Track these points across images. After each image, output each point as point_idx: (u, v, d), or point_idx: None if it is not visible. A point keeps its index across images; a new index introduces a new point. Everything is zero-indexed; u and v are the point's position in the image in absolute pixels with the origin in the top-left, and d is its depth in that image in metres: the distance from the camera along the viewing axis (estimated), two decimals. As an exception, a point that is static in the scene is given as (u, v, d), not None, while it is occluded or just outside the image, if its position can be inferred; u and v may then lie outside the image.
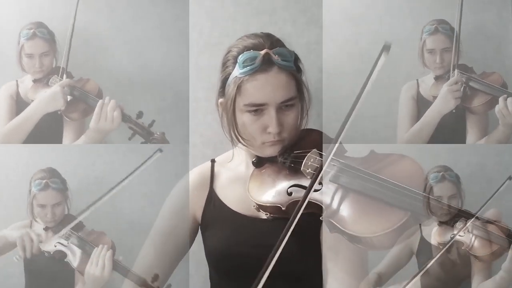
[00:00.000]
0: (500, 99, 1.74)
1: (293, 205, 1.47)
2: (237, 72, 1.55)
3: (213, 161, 1.74)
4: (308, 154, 1.54)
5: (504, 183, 1.65)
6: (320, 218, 1.45)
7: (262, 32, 1.62)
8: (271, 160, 1.60)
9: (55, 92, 1.91)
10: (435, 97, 1.84)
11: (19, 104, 1.94)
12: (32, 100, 1.93)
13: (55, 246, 1.79)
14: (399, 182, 1.41)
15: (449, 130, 1.84)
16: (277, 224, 1.46)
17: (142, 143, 1.87)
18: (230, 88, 1.56)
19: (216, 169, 1.72)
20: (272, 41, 1.57)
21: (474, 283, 1.70)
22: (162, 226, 1.71)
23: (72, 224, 1.79)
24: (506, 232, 1.60)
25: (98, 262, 1.70)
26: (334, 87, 1.89)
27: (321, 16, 1.89)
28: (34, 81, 1.93)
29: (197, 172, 1.74)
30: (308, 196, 1.42)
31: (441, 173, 1.72)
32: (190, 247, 1.73)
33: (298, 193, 1.49)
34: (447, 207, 1.59)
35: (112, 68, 1.94)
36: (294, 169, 1.55)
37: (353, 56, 1.89)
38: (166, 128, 1.88)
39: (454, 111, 1.82)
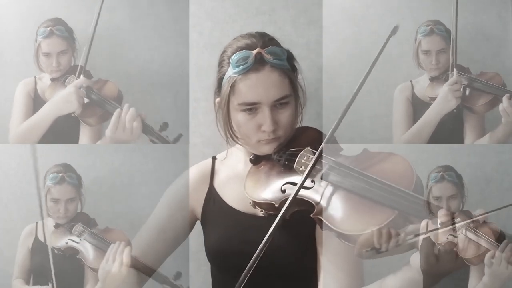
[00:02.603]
0: (504, 98, 1.75)
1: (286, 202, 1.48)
2: (230, 72, 1.56)
3: (214, 158, 1.75)
4: (301, 152, 1.55)
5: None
6: (311, 215, 1.46)
7: (257, 32, 1.62)
8: (267, 158, 1.61)
9: (68, 94, 1.84)
10: (431, 98, 1.85)
11: (36, 102, 1.89)
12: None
13: (66, 243, 1.75)
14: (389, 181, 1.42)
15: (448, 130, 1.84)
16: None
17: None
18: (224, 88, 1.58)
19: (216, 166, 1.73)
20: (264, 40, 1.58)
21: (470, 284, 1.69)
22: (160, 216, 1.71)
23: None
24: (496, 235, 1.56)
25: (115, 259, 1.62)
26: (334, 87, 1.89)
27: (321, 16, 1.89)
28: (52, 80, 1.87)
29: (198, 169, 1.75)
30: (298, 193, 1.44)
31: (440, 173, 1.70)
32: (184, 240, 1.73)
33: (292, 190, 1.48)
34: (446, 207, 1.60)
35: (112, 68, 1.94)
36: (288, 167, 1.56)
37: (353, 56, 1.90)
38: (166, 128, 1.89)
39: (455, 110, 1.82)
